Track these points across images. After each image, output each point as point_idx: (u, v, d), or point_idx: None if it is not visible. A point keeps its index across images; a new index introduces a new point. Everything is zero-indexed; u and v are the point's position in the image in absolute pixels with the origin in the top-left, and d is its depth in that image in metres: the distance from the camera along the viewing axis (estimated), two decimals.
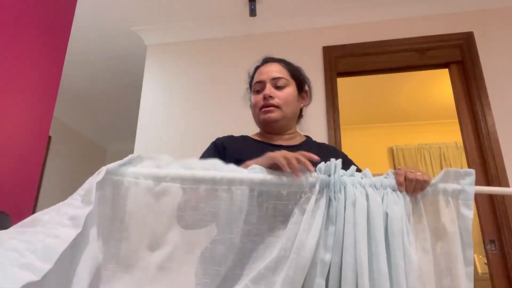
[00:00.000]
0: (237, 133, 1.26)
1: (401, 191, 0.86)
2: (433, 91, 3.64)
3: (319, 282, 0.75)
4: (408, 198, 0.86)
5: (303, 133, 1.27)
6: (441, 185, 0.90)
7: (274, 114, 1.13)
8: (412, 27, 2.44)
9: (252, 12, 2.43)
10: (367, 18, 2.53)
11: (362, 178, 0.87)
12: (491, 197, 2.01)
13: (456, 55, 2.37)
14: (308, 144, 1.21)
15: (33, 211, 3.41)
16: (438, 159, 4.06)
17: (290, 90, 1.17)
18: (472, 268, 0.87)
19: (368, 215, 0.81)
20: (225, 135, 1.22)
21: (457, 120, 2.28)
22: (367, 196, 0.83)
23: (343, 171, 0.87)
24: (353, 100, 3.77)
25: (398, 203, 0.84)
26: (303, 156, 0.83)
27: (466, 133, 2.21)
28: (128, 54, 3.02)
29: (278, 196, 0.82)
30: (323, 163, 0.86)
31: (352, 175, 0.87)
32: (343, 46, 2.48)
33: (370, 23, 2.52)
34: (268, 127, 1.18)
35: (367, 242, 0.77)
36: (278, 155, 0.83)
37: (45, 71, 1.60)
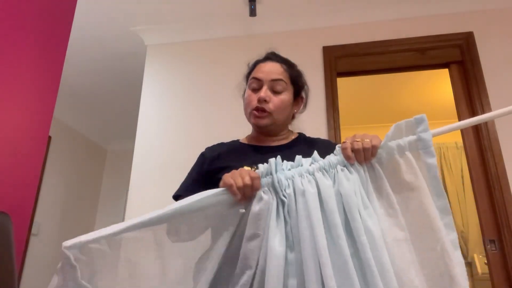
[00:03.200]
0: (236, 132, 1.26)
1: (352, 164, 0.83)
2: (433, 91, 3.63)
3: (292, 282, 0.74)
4: (362, 168, 0.83)
5: (299, 131, 1.26)
6: (393, 143, 0.85)
7: (265, 121, 1.12)
8: (412, 27, 2.44)
9: (252, 12, 2.43)
10: (367, 18, 2.52)
11: (312, 164, 0.84)
12: (491, 197, 2.00)
13: (456, 55, 2.36)
14: (298, 141, 1.20)
15: (33, 211, 3.41)
16: (438, 159, 4.06)
17: (286, 97, 1.14)
18: (451, 217, 0.81)
19: (320, 201, 0.78)
20: (224, 135, 1.24)
21: (457, 120, 2.27)
22: (316, 182, 0.80)
23: (289, 163, 0.84)
24: (353, 100, 3.76)
25: (350, 178, 0.81)
26: (247, 175, 0.81)
27: (466, 133, 2.21)
28: (128, 54, 3.02)
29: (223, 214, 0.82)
30: (262, 165, 0.84)
31: (299, 165, 0.84)
32: (343, 46, 2.48)
33: (370, 23, 2.52)
34: (258, 130, 1.18)
35: (323, 230, 0.74)
36: (226, 178, 0.83)
37: (45, 71, 1.60)
